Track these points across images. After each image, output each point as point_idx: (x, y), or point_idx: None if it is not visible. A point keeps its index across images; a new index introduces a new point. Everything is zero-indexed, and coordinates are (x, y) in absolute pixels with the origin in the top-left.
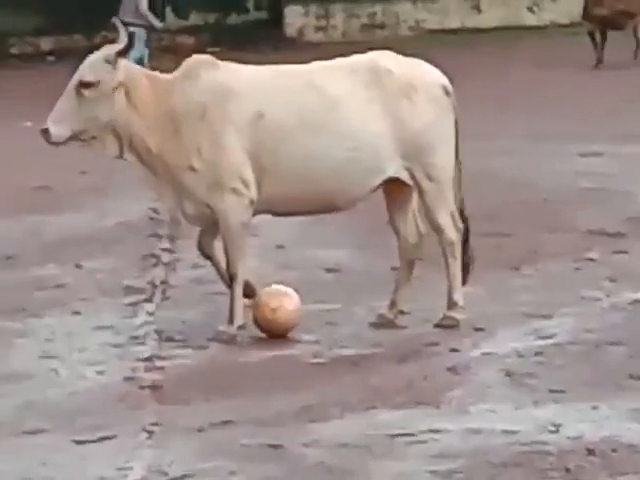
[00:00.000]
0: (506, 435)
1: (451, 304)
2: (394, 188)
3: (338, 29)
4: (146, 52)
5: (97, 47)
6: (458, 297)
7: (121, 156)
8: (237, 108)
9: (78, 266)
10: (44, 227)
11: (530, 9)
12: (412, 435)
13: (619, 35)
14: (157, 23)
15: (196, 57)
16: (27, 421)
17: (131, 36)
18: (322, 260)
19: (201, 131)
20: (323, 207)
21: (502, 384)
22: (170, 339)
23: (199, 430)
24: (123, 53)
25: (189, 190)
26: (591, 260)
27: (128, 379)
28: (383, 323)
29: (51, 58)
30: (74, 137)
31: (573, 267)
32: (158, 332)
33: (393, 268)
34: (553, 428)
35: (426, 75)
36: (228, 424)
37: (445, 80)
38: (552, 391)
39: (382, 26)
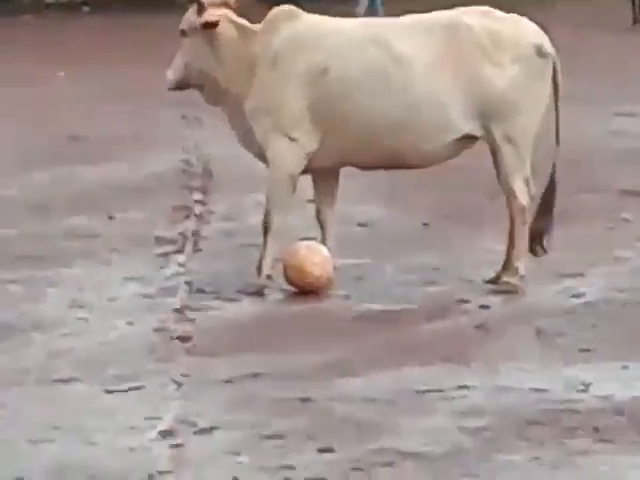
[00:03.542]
0: (535, 393)
1: (512, 270)
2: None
3: None
4: None
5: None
6: (520, 265)
7: (216, 104)
8: (305, 60)
9: (110, 217)
10: (76, 177)
11: None
12: (440, 391)
13: None
14: None
15: (279, 8)
16: (57, 370)
17: None
18: (353, 215)
19: (270, 78)
20: (395, 162)
21: (532, 342)
22: (201, 291)
23: (228, 382)
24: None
25: (256, 131)
26: (624, 220)
27: (158, 330)
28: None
29: (86, 9)
30: (183, 84)
31: (606, 227)
32: (189, 283)
33: (423, 224)
34: (582, 387)
35: (519, 34)
36: (257, 376)
37: (541, 40)
38: (582, 350)
39: None
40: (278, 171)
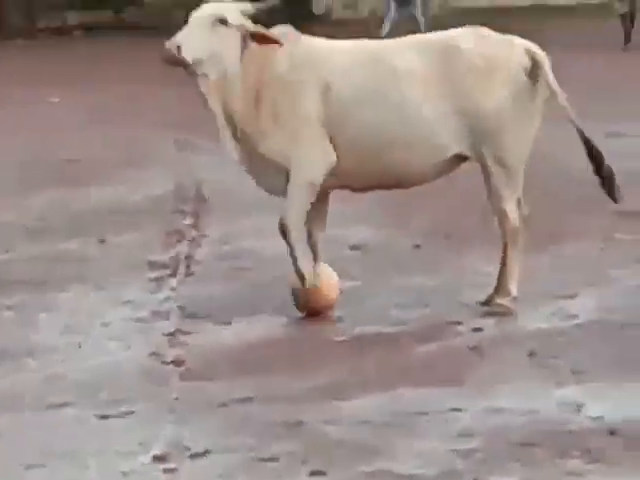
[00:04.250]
0: (528, 414)
1: (504, 292)
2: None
3: (366, 6)
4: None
5: (124, 23)
6: (512, 287)
7: (206, 106)
8: (312, 78)
9: (102, 240)
10: (69, 201)
11: None
12: (434, 414)
13: None
14: None
15: (277, 29)
16: (50, 395)
17: None
18: (346, 237)
19: (280, 99)
20: (389, 181)
21: (524, 364)
22: (193, 315)
23: (221, 406)
24: (258, 10)
25: (267, 156)
26: (617, 240)
27: (151, 354)
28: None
29: (78, 32)
30: (192, 63)
31: (600, 247)
32: (181, 307)
33: (415, 246)
34: (575, 408)
35: (509, 56)
36: (250, 400)
37: (531, 62)
38: (575, 371)
39: None
40: (299, 177)
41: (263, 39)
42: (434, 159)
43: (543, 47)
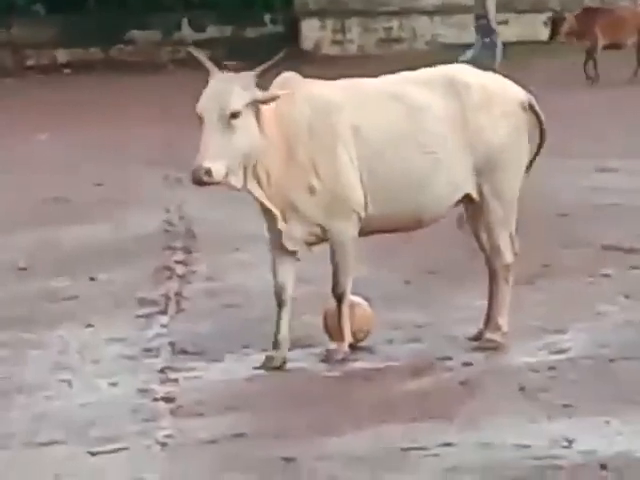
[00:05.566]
0: (518, 449)
1: (494, 327)
2: (474, 202)
3: (354, 43)
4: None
5: (113, 60)
6: (503, 322)
7: (246, 186)
8: (339, 121)
9: (92, 278)
10: (58, 239)
11: (546, 24)
12: (424, 449)
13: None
14: (494, 25)
15: (284, 75)
16: (40, 433)
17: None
18: None
19: (313, 149)
20: (409, 224)
21: (515, 398)
22: (184, 351)
23: (212, 442)
24: (261, 75)
25: (305, 213)
26: (606, 275)
27: (141, 391)
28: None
29: (67, 70)
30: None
31: (587, 282)
32: (172, 344)
33: (406, 282)
34: (566, 443)
35: (505, 90)
36: (241, 437)
37: (524, 96)
38: (565, 406)
39: (398, 40)
40: (345, 242)
41: (275, 99)
42: (453, 198)
43: (529, 82)
